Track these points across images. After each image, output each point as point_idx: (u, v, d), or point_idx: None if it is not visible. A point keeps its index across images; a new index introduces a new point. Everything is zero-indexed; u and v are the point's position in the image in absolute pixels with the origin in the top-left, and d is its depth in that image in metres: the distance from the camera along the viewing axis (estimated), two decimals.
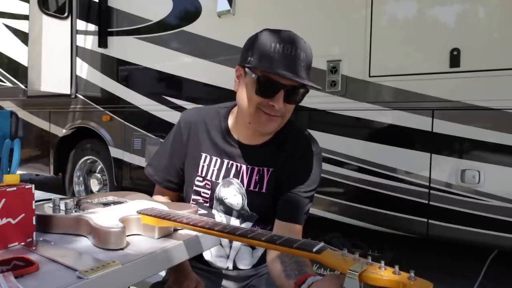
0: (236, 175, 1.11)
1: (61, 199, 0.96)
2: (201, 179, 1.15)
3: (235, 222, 1.13)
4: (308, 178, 1.08)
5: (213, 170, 1.13)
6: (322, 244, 0.62)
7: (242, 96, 1.04)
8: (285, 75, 0.94)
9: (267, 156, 1.11)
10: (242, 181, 1.11)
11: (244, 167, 1.11)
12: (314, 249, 0.61)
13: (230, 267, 1.16)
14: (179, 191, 1.23)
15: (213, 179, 1.13)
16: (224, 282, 1.17)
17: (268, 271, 1.16)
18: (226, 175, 1.12)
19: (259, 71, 0.98)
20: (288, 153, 1.10)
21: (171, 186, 1.21)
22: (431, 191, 2.17)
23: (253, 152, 1.11)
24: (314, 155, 1.11)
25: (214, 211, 1.14)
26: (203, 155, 1.14)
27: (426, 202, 2.18)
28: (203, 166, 1.14)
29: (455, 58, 2.07)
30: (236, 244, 1.15)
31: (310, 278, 0.70)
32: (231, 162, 1.12)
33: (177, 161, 1.18)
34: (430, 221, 2.17)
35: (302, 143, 1.12)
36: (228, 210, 1.13)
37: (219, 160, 1.13)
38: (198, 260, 1.16)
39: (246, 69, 1.02)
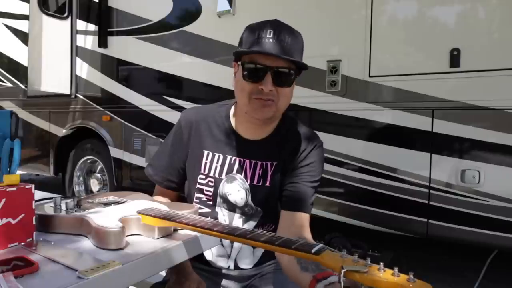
0: (239, 170, 1.12)
1: (62, 198, 0.96)
2: (204, 176, 1.15)
3: (238, 220, 1.13)
4: (312, 170, 1.10)
5: (216, 167, 1.13)
6: (321, 245, 0.62)
7: (237, 88, 1.07)
8: (262, 51, 0.97)
9: (270, 150, 1.12)
10: (245, 176, 1.11)
11: (247, 161, 1.11)
12: (313, 250, 0.61)
13: (232, 266, 1.16)
14: (179, 191, 1.23)
15: (216, 175, 1.13)
16: (226, 282, 1.17)
17: (270, 271, 1.17)
18: (229, 170, 1.12)
19: (246, 58, 1.01)
20: (291, 147, 1.11)
21: (172, 186, 1.21)
22: (431, 191, 2.17)
23: (256, 147, 1.12)
24: (316, 148, 1.12)
25: (217, 209, 1.14)
26: (205, 152, 1.15)
27: (426, 202, 2.18)
28: (205, 163, 1.14)
29: (455, 58, 2.07)
30: (237, 243, 1.15)
31: (332, 276, 0.68)
32: (233, 157, 1.12)
33: (177, 160, 1.19)
34: (430, 221, 2.17)
35: (304, 136, 1.13)
36: (231, 208, 1.13)
37: (221, 156, 1.13)
38: (199, 260, 1.16)
39: (239, 62, 1.05)
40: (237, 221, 1.13)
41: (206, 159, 1.14)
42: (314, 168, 1.11)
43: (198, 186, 1.16)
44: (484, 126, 2.03)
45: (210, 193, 1.14)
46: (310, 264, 0.83)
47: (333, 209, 2.47)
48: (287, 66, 1.00)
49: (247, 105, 1.04)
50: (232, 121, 1.15)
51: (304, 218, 1.07)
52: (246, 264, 1.16)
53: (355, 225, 2.42)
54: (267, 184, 1.11)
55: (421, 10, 2.21)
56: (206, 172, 1.14)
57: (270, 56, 0.98)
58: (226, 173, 1.12)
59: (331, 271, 0.75)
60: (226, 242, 1.15)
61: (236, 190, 1.12)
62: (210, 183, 1.14)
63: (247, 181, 1.11)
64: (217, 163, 1.13)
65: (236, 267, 1.16)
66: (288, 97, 1.06)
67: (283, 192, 1.11)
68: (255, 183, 1.11)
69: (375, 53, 2.29)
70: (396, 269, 0.53)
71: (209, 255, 1.17)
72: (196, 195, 1.17)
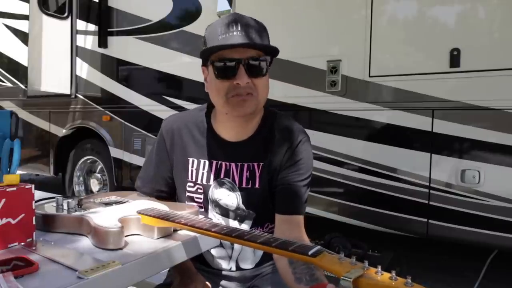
0: (227, 175, 1.09)
1: (64, 198, 0.96)
2: (192, 184, 1.12)
3: (233, 223, 1.12)
4: (302, 167, 1.07)
5: (203, 173, 1.10)
6: (318, 247, 0.61)
7: (212, 91, 1.04)
8: (230, 43, 0.95)
9: (255, 151, 1.08)
10: (233, 180, 1.08)
11: (233, 165, 1.09)
12: (310, 252, 0.60)
13: (233, 268, 1.15)
14: (171, 199, 1.20)
15: (204, 182, 1.10)
16: (227, 284, 1.16)
17: (271, 271, 1.17)
18: (217, 175, 1.10)
19: (214, 56, 0.99)
20: (276, 145, 1.08)
21: (162, 195, 1.18)
22: (431, 191, 2.17)
23: (240, 149, 1.09)
24: (303, 143, 1.08)
25: (210, 215, 1.12)
26: (190, 159, 1.12)
27: (426, 202, 2.18)
28: (192, 171, 1.12)
29: (455, 58, 2.07)
30: (238, 244, 1.14)
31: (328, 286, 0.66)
32: (219, 162, 1.09)
33: (164, 170, 1.16)
34: (430, 221, 2.17)
35: (288, 132, 1.10)
36: (224, 212, 1.11)
37: (207, 162, 1.10)
38: (200, 261, 1.15)
39: (208, 64, 1.03)
40: (233, 223, 1.11)
41: (192, 166, 1.12)
42: (303, 165, 1.07)
43: (188, 194, 1.13)
44: (484, 126, 2.03)
45: (201, 200, 1.12)
46: (304, 275, 0.82)
47: (333, 209, 2.47)
48: (258, 55, 0.98)
49: (226, 106, 1.01)
50: (214, 125, 1.12)
51: (299, 220, 1.05)
52: (248, 264, 1.15)
53: (355, 225, 2.42)
54: (257, 186, 1.07)
55: (421, 10, 2.21)
56: (194, 179, 1.12)
57: (239, 47, 0.96)
58: (214, 179, 1.09)
59: (325, 283, 0.74)
60: (227, 243, 1.13)
61: (226, 194, 1.09)
62: (199, 190, 1.12)
63: (236, 185, 1.09)
64: (204, 169, 1.10)
65: (238, 268, 1.15)
66: (266, 87, 1.04)
67: (275, 194, 1.08)
68: (244, 185, 1.08)
69: (375, 53, 2.29)
70: (393, 273, 0.52)
71: (210, 256, 1.16)
72: (187, 203, 1.15)
